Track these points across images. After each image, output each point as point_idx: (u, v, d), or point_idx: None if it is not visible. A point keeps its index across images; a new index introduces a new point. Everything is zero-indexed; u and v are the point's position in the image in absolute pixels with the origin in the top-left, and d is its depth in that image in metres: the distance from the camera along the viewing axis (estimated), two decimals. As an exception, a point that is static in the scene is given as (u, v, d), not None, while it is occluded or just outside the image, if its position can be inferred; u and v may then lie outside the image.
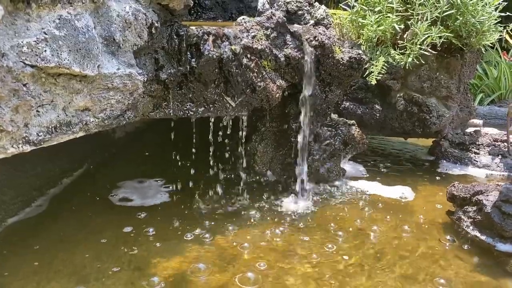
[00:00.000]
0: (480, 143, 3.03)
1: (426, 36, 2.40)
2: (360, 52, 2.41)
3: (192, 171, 2.39)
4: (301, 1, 2.50)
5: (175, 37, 1.87)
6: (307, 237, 1.99)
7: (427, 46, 2.42)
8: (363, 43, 2.53)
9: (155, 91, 1.87)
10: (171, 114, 1.99)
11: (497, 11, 2.60)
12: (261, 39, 2.10)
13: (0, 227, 1.98)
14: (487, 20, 2.53)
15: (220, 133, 2.23)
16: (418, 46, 2.41)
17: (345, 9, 2.74)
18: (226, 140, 2.28)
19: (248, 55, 2.04)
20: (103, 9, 1.51)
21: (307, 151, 2.41)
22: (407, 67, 2.48)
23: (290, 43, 2.21)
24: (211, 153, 2.28)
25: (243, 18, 2.16)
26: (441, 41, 2.44)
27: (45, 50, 1.27)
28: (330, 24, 2.55)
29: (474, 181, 2.69)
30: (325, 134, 2.51)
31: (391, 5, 2.47)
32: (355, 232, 2.05)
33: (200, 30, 1.92)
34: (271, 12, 2.19)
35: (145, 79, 1.74)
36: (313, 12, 2.54)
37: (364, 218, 2.18)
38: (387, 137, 3.45)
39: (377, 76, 2.43)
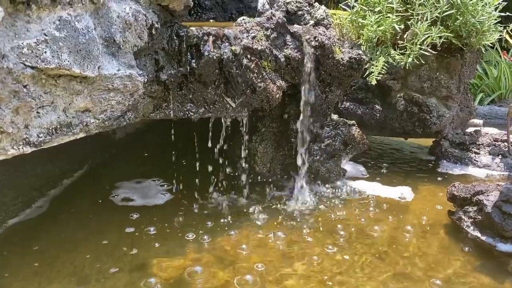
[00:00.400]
0: (480, 143, 3.03)
1: (426, 36, 2.40)
2: (360, 52, 2.42)
3: (193, 172, 2.40)
4: (301, 1, 2.51)
5: (175, 38, 1.87)
6: (307, 237, 1.99)
7: (427, 46, 2.42)
8: (363, 44, 2.53)
9: (156, 92, 1.87)
10: (171, 115, 1.99)
11: (497, 11, 2.60)
12: (261, 39, 2.10)
13: (0, 228, 1.98)
14: (487, 20, 2.53)
15: (223, 133, 2.23)
16: (418, 46, 2.41)
17: (345, 9, 2.73)
18: (226, 141, 2.28)
19: (248, 56, 2.04)
20: (103, 10, 1.51)
21: (307, 152, 2.41)
22: (407, 67, 2.48)
23: (290, 43, 2.21)
24: (212, 153, 2.28)
25: (243, 19, 2.16)
26: (441, 41, 2.44)
27: (45, 52, 1.27)
28: (330, 25, 2.55)
29: (475, 181, 2.69)
30: (325, 134, 2.51)
31: (391, 5, 2.47)
32: (355, 232, 2.05)
33: (200, 31, 1.92)
34: (271, 12, 2.19)
35: (146, 80, 1.74)
36: (313, 12, 2.54)
37: (365, 218, 2.18)
38: (387, 137, 3.45)
39: (377, 76, 2.43)
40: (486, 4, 2.53)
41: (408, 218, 2.20)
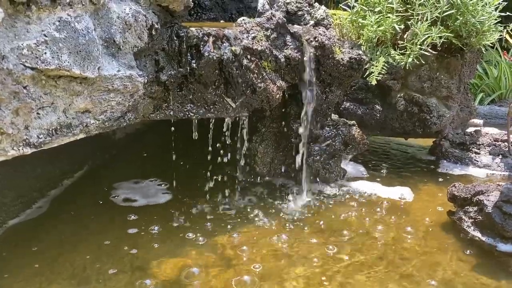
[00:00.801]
0: (480, 143, 3.03)
1: (426, 36, 2.40)
2: (360, 52, 2.42)
3: (193, 172, 2.40)
4: (301, 1, 2.51)
5: (175, 38, 1.86)
6: (308, 238, 1.99)
7: (427, 46, 2.42)
8: (363, 44, 2.53)
9: (156, 92, 1.87)
10: (172, 115, 1.99)
11: (497, 11, 2.60)
12: (261, 40, 2.10)
13: (0, 229, 1.98)
14: (487, 20, 2.53)
15: (226, 133, 2.23)
16: (418, 46, 2.41)
17: (345, 10, 2.73)
18: (226, 141, 2.28)
19: (248, 56, 2.04)
20: (103, 11, 1.51)
21: (308, 152, 2.41)
22: (407, 67, 2.48)
23: (290, 44, 2.21)
24: (212, 153, 2.28)
25: (243, 19, 2.16)
26: (441, 41, 2.44)
27: (45, 52, 1.27)
28: (330, 25, 2.55)
29: (475, 181, 2.69)
30: (326, 134, 2.51)
31: (391, 5, 2.47)
32: (355, 232, 2.05)
33: (200, 31, 1.92)
34: (271, 13, 2.19)
35: (146, 80, 1.74)
36: (313, 12, 2.54)
37: (365, 219, 2.18)
38: (387, 137, 3.45)
39: (377, 76, 2.43)
40: (486, 4, 2.53)
41: (408, 219, 2.20)
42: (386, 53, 2.50)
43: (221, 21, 3.13)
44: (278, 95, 2.19)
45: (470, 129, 3.18)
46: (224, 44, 1.97)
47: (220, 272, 1.71)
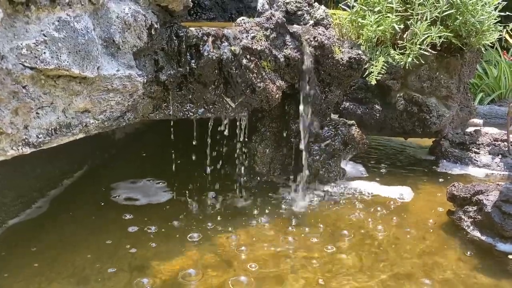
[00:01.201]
0: (480, 142, 3.03)
1: (426, 36, 2.40)
2: (360, 52, 2.42)
3: (193, 172, 2.40)
4: (300, 1, 2.51)
5: (174, 38, 1.86)
6: (307, 238, 1.99)
7: (427, 46, 2.42)
8: (362, 43, 2.53)
9: (155, 92, 1.87)
10: (171, 115, 1.99)
11: (497, 10, 2.60)
12: (260, 39, 2.10)
13: (0, 229, 1.98)
14: (487, 19, 2.53)
15: (226, 133, 2.23)
16: (418, 46, 2.41)
17: (344, 9, 2.73)
18: (226, 141, 2.28)
19: (248, 56, 2.04)
20: (102, 11, 1.51)
21: (307, 151, 2.41)
22: (407, 67, 2.48)
23: (290, 43, 2.21)
24: (212, 153, 2.28)
25: (242, 19, 2.16)
26: (440, 41, 2.44)
27: (45, 52, 1.27)
28: (330, 25, 2.55)
29: (474, 180, 2.69)
30: (325, 134, 2.51)
31: (391, 5, 2.47)
32: (355, 232, 2.05)
33: (200, 31, 1.92)
34: (271, 12, 2.19)
35: (145, 80, 1.74)
36: (312, 12, 2.54)
37: (364, 218, 2.18)
38: (387, 137, 3.45)
39: (377, 76, 2.43)
40: (485, 4, 2.53)
41: (408, 218, 2.20)
42: (385, 52, 2.50)
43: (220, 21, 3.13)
44: (277, 95, 2.19)
45: (470, 129, 3.18)
46: (224, 44, 1.97)
47: (218, 272, 1.71)
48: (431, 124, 2.90)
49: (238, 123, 2.20)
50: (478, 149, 3.01)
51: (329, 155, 2.53)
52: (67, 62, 1.34)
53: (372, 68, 2.46)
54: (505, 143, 2.98)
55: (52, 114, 1.41)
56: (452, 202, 2.18)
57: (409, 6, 2.48)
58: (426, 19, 2.41)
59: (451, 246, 1.96)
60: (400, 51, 2.48)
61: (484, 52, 3.22)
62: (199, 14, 3.30)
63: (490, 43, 2.82)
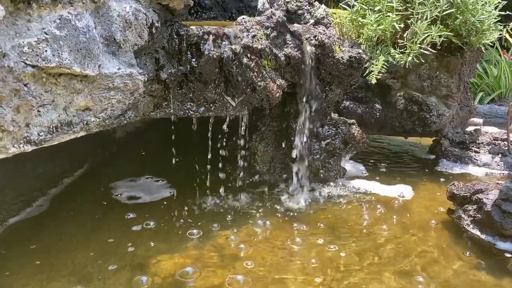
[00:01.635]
0: (480, 142, 3.03)
1: (426, 35, 2.41)
2: (360, 51, 2.42)
3: (193, 170, 2.40)
4: (301, 0, 2.51)
5: (175, 36, 1.87)
6: (307, 236, 1.99)
7: (427, 45, 2.42)
8: (363, 42, 2.54)
9: (156, 90, 1.87)
10: (172, 113, 1.99)
11: (497, 10, 2.60)
12: (261, 38, 2.10)
13: (1, 227, 1.99)
14: (487, 19, 2.54)
15: (226, 131, 2.23)
16: (418, 45, 2.42)
17: (345, 9, 2.74)
18: (226, 139, 2.28)
19: (248, 55, 2.04)
20: (103, 9, 1.51)
21: (307, 150, 2.42)
22: (407, 66, 2.48)
23: (290, 42, 2.21)
24: (213, 152, 2.28)
25: (243, 18, 2.17)
26: (441, 40, 2.45)
27: (46, 50, 1.28)
28: (330, 24, 2.56)
29: (474, 179, 2.69)
30: (325, 133, 2.51)
31: (391, 4, 2.48)
32: (355, 231, 2.05)
33: (200, 29, 1.92)
34: (271, 11, 2.19)
35: (146, 78, 1.74)
36: (313, 11, 2.55)
37: (364, 217, 2.19)
38: (387, 136, 3.45)
39: (377, 75, 2.44)
40: (486, 3, 2.53)
41: (408, 217, 2.21)
42: (386, 52, 2.51)
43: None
44: (278, 94, 2.19)
45: (470, 128, 3.18)
46: (224, 43, 1.98)
47: (216, 270, 1.71)
48: (431, 123, 2.90)
49: (240, 122, 2.21)
50: (478, 148, 3.01)
51: (329, 154, 2.53)
52: (69, 60, 1.34)
53: (373, 67, 2.46)
54: (505, 142, 2.98)
55: (53, 112, 1.42)
56: (452, 201, 2.18)
57: (410, 5, 2.48)
58: (426, 18, 2.41)
59: (451, 244, 1.96)
60: (400, 50, 2.48)
61: (484, 51, 3.22)
62: (199, 13, 3.31)
63: (490, 42, 2.82)
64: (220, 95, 2.04)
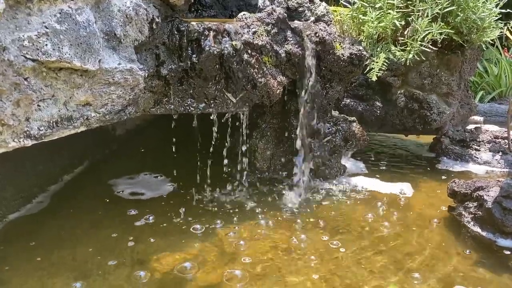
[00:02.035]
0: (480, 140, 3.03)
1: (427, 32, 2.41)
2: (361, 48, 2.42)
3: (194, 167, 2.40)
4: (301, -3, 2.50)
5: (176, 32, 1.87)
6: (307, 234, 1.99)
7: (428, 42, 2.42)
8: (363, 40, 2.54)
9: (156, 86, 1.87)
10: (172, 110, 1.99)
11: (498, 8, 2.60)
12: (262, 35, 2.10)
13: (1, 223, 1.98)
14: (488, 16, 2.54)
15: (228, 129, 2.23)
16: (419, 42, 2.41)
17: (345, 6, 2.74)
18: (227, 136, 2.28)
19: (249, 51, 2.04)
20: (104, 4, 1.51)
21: (308, 148, 2.41)
22: (407, 64, 2.48)
23: (291, 39, 2.21)
24: (213, 149, 2.28)
25: (243, 14, 2.16)
26: (441, 38, 2.45)
27: (46, 44, 1.27)
28: (331, 21, 2.55)
29: (475, 177, 2.69)
30: (326, 130, 2.51)
31: (392, 1, 2.47)
32: (355, 228, 2.05)
33: (201, 25, 1.92)
34: (272, 8, 2.19)
35: (146, 74, 1.74)
36: (313, 8, 2.54)
37: (365, 214, 2.18)
38: (387, 134, 3.45)
39: (378, 72, 2.43)
40: (486, 1, 2.53)
41: (409, 214, 2.21)
42: (386, 49, 2.51)
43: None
44: (278, 90, 2.19)
45: (470, 126, 3.19)
46: (225, 39, 1.97)
47: (215, 266, 1.71)
48: (431, 121, 2.90)
49: (241, 119, 2.21)
50: (479, 146, 3.01)
51: (329, 151, 2.53)
52: (69, 54, 1.34)
53: (373, 64, 2.46)
54: (506, 140, 2.98)
55: (53, 106, 1.41)
56: (453, 198, 2.18)
57: (410, 2, 2.48)
58: (427, 16, 2.41)
59: (452, 241, 1.96)
60: (401, 48, 2.48)
61: (484, 50, 3.23)
62: (199, 11, 3.30)
63: (491, 40, 2.82)
64: (221, 91, 2.04)
